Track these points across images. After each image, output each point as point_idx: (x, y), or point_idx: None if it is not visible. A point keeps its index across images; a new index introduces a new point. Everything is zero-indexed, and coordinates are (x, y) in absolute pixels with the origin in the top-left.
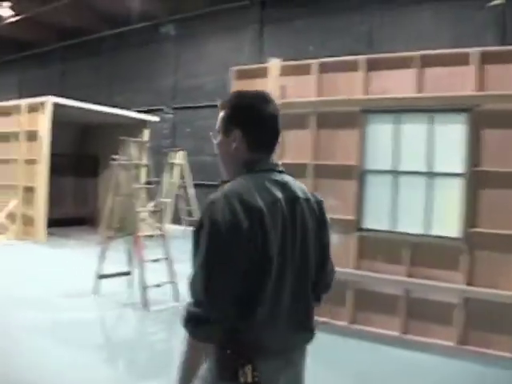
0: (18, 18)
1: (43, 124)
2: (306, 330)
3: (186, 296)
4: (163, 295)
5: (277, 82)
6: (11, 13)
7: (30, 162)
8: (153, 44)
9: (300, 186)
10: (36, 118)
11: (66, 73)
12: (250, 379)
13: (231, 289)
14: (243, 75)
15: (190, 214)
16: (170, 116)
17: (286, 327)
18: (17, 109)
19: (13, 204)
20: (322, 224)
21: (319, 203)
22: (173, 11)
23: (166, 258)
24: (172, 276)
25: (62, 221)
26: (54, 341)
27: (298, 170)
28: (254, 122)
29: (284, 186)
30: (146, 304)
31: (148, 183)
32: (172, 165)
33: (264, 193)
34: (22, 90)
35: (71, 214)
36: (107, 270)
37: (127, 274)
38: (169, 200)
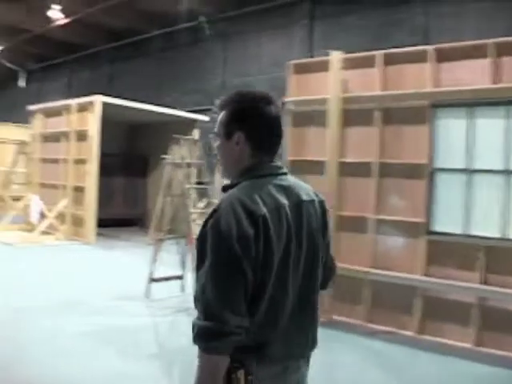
0: (67, 20)
1: (93, 123)
2: (309, 338)
3: None
4: None
5: (338, 75)
6: (61, 15)
7: (80, 161)
8: (201, 43)
9: (304, 188)
10: (85, 117)
11: (114, 74)
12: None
13: (243, 298)
14: (301, 69)
15: None
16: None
17: (286, 334)
18: (67, 109)
19: (62, 204)
20: (324, 224)
21: (321, 203)
22: (221, 9)
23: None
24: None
25: (112, 221)
26: (105, 348)
27: (360, 170)
28: (258, 124)
29: (288, 190)
30: None
31: (199, 183)
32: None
33: (268, 199)
34: (71, 92)
35: (120, 215)
36: (159, 273)
37: (180, 277)
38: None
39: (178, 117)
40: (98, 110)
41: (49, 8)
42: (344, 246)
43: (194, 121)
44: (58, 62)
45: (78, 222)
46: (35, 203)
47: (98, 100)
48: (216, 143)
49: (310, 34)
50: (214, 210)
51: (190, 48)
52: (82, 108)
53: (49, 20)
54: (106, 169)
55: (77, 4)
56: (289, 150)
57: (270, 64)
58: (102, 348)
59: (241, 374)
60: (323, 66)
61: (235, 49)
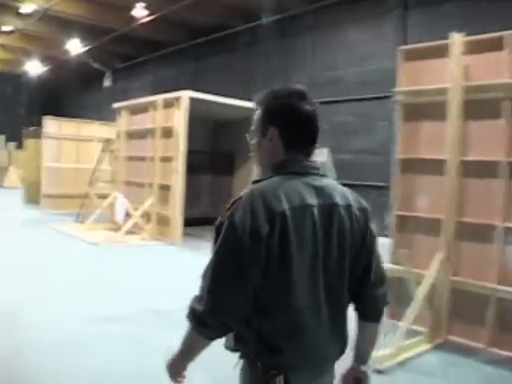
0: (151, 17)
1: (179, 120)
2: (338, 343)
3: None
4: None
5: (459, 61)
6: (145, 13)
7: (166, 159)
8: (288, 37)
9: (341, 191)
10: (172, 113)
11: (198, 71)
12: None
13: (239, 295)
14: (414, 55)
15: None
16: None
17: (316, 339)
18: (153, 105)
19: (148, 203)
20: (366, 231)
21: (363, 210)
22: (309, 1)
23: None
24: None
25: (198, 220)
26: (196, 368)
27: (485, 169)
28: (291, 120)
29: (320, 191)
30: None
31: None
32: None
33: (293, 196)
34: (155, 90)
35: (207, 214)
36: None
37: None
38: None
39: None
40: (184, 106)
41: (133, 7)
42: (465, 257)
43: None
44: (142, 61)
45: (163, 221)
46: (120, 202)
47: (185, 95)
48: (252, 141)
49: (404, 24)
50: (235, 201)
51: (276, 42)
52: (168, 104)
53: (133, 19)
54: (192, 166)
55: (160, 1)
56: (399, 147)
57: (360, 57)
58: (192, 369)
59: (280, 380)
60: (440, 51)
61: (324, 41)
